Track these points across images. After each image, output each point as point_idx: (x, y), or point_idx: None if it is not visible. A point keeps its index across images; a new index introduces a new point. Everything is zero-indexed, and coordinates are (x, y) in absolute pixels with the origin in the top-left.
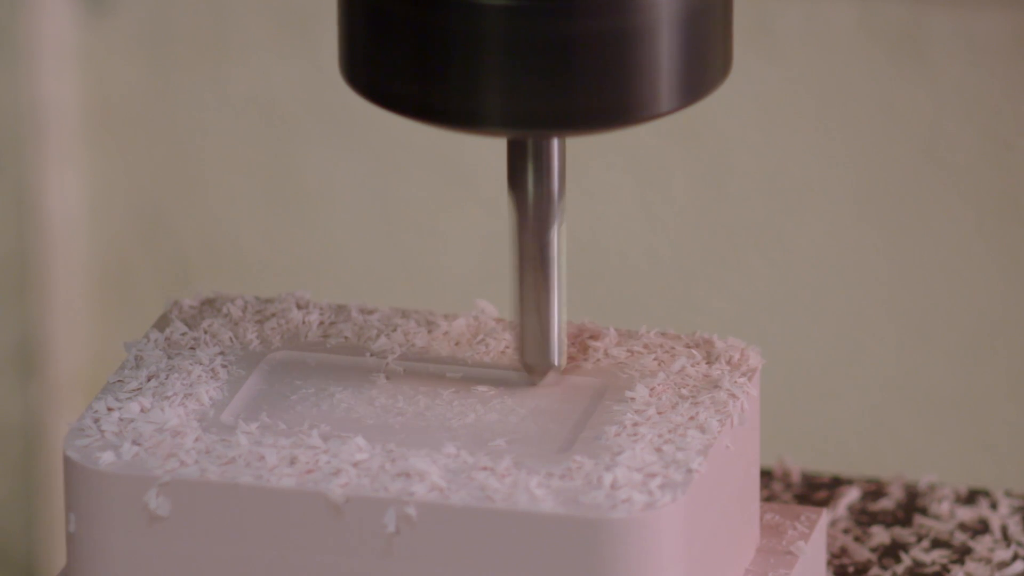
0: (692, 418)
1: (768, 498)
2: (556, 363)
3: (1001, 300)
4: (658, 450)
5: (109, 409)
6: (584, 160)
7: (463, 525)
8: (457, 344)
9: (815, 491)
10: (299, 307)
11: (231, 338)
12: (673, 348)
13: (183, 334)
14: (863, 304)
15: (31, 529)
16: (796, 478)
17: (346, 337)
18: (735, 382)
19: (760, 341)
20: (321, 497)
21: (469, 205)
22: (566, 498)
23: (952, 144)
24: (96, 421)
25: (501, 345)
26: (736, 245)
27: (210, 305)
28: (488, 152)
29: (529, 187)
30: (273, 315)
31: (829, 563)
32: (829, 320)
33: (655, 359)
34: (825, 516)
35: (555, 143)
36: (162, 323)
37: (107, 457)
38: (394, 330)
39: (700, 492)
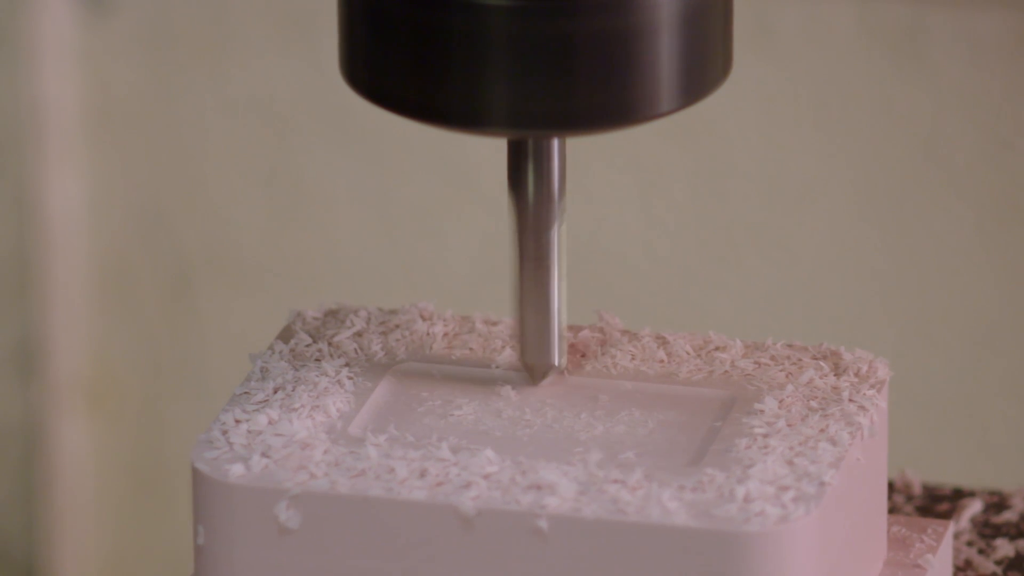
0: (823, 430)
1: (890, 511)
2: (556, 363)
3: (1001, 300)
4: (790, 463)
5: (237, 421)
6: (584, 160)
7: (595, 538)
8: (583, 356)
9: (937, 503)
10: (423, 318)
11: (356, 349)
12: (800, 360)
13: (307, 345)
14: (862, 304)
15: (31, 529)
16: (917, 490)
17: (471, 348)
18: (864, 394)
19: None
20: (452, 510)
21: (469, 205)
22: (699, 511)
23: (952, 144)
24: (224, 433)
25: (627, 357)
26: (736, 245)
27: (333, 316)
28: (488, 152)
29: (529, 187)
30: (397, 326)
31: None
32: (828, 320)
33: (783, 371)
34: (951, 529)
35: (555, 143)
36: (286, 335)
37: (237, 469)
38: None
39: (832, 505)
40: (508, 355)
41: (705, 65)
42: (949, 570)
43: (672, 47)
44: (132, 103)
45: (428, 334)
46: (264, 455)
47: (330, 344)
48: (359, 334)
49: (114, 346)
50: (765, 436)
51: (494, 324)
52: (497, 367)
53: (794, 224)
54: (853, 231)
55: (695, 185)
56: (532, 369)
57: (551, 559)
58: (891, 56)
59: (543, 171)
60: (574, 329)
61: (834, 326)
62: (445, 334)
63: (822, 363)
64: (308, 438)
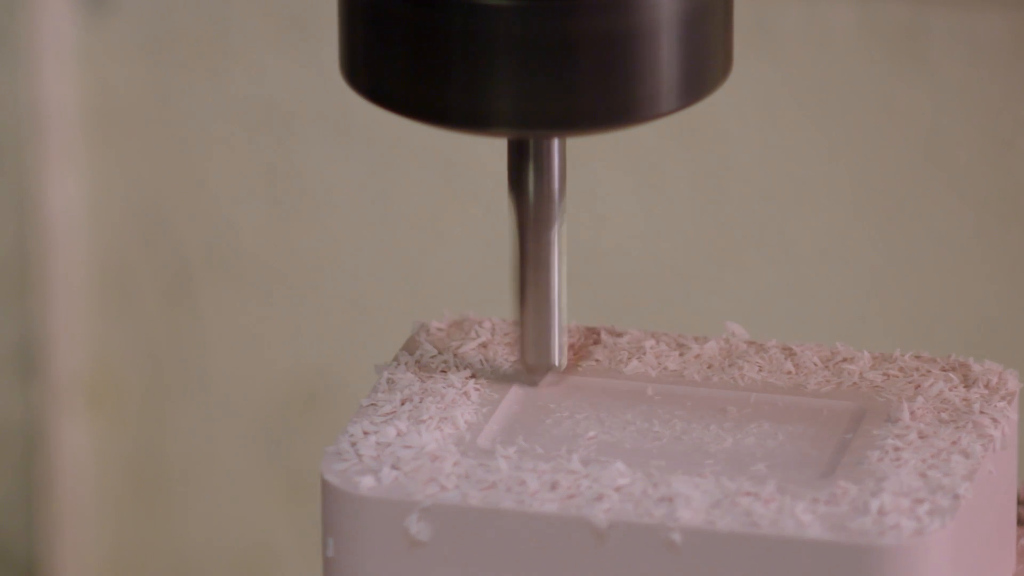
0: (955, 443)
1: (1019, 523)
2: (556, 363)
3: (1001, 300)
4: (922, 475)
5: (365, 433)
6: (584, 160)
7: (728, 551)
8: (710, 367)
9: None
10: None
11: (482, 360)
12: (929, 371)
13: (432, 357)
14: (862, 303)
15: (31, 529)
16: None
17: (597, 360)
18: (995, 406)
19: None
20: (584, 522)
21: (469, 205)
22: (833, 524)
23: (952, 144)
24: (353, 445)
25: (755, 368)
26: (736, 245)
27: (458, 327)
28: (488, 152)
29: (529, 187)
30: None
31: None
32: (827, 319)
33: (911, 383)
34: None
35: (556, 143)
36: (411, 346)
37: (367, 482)
38: (645, 353)
39: (966, 518)
40: (635, 366)
41: (705, 65)
42: None
43: (672, 47)
44: (132, 103)
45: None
46: (394, 467)
47: (455, 355)
48: (484, 345)
49: (114, 346)
50: (897, 449)
51: (619, 335)
52: (624, 378)
53: (794, 224)
54: (853, 231)
55: (695, 185)
56: (532, 369)
57: (684, 572)
58: (891, 56)
59: (543, 171)
60: (700, 340)
61: (834, 325)
62: (571, 345)
63: (951, 375)
64: (437, 450)
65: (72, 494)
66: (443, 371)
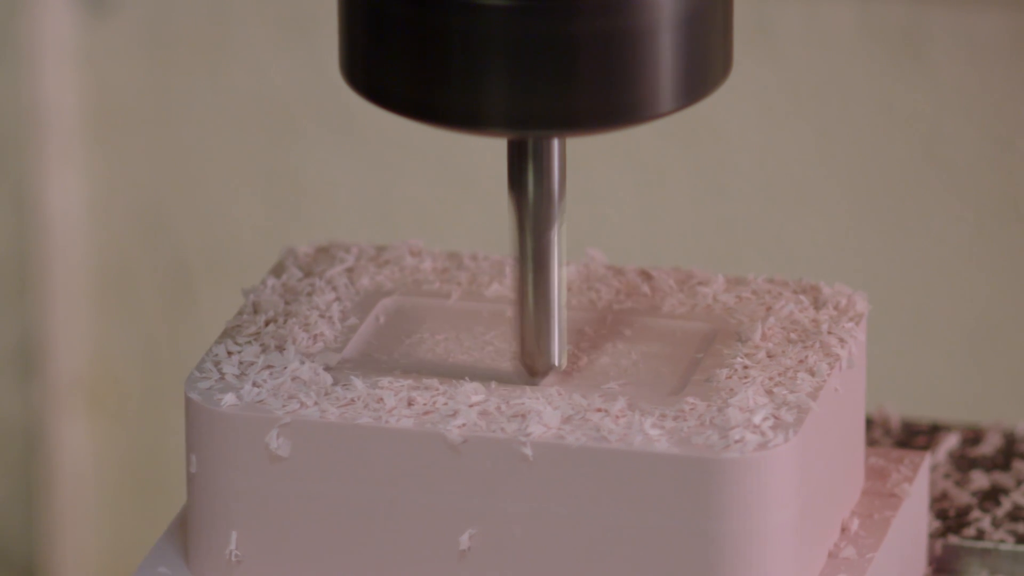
0: (802, 361)
1: (869, 445)
2: (556, 363)
3: (1000, 300)
4: (769, 392)
5: (229, 353)
6: (584, 160)
7: (578, 465)
8: (569, 290)
9: (914, 437)
10: (412, 254)
11: (346, 284)
12: (781, 294)
13: (299, 280)
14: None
15: (31, 529)
16: (896, 425)
17: (459, 283)
18: (843, 327)
19: None
20: (439, 437)
21: (469, 205)
22: (680, 438)
23: (952, 144)
24: (217, 364)
25: (612, 291)
26: (736, 245)
27: (325, 253)
28: (488, 152)
29: (529, 187)
30: (387, 262)
31: (931, 507)
32: None
33: (763, 304)
34: (928, 460)
35: (555, 143)
36: (278, 270)
37: (228, 399)
38: (506, 276)
39: (811, 434)
40: (496, 289)
41: (705, 65)
42: (925, 500)
43: (672, 47)
44: (132, 103)
45: (417, 269)
46: (255, 385)
47: (321, 279)
48: (350, 269)
49: (114, 346)
50: (746, 367)
51: (482, 260)
52: (485, 300)
53: (794, 224)
54: (852, 230)
55: (695, 185)
56: (532, 369)
57: (536, 486)
58: (891, 56)
59: (543, 171)
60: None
61: None
62: (434, 269)
63: (802, 297)
64: (298, 369)
65: (72, 494)
66: (308, 294)
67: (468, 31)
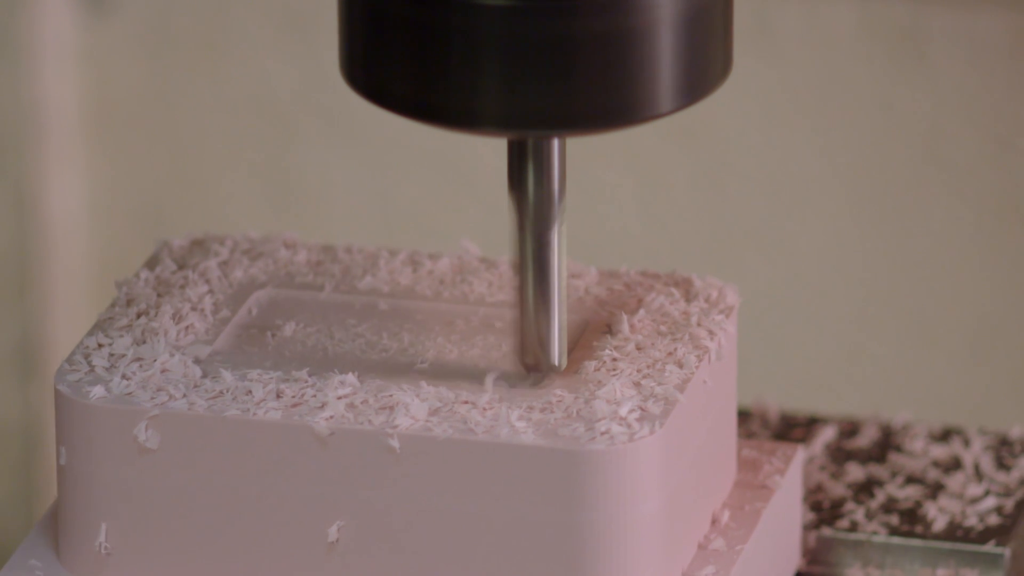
0: (670, 354)
1: (746, 437)
2: (556, 363)
3: (1000, 300)
4: (637, 384)
5: (99, 345)
6: (584, 160)
7: (445, 457)
8: (441, 283)
9: (792, 430)
10: (287, 247)
11: (219, 277)
12: (653, 286)
13: (173, 272)
14: (862, 303)
15: (31, 529)
16: (774, 417)
17: (333, 276)
18: (713, 319)
19: (760, 340)
20: (306, 429)
21: (469, 205)
22: (546, 430)
23: (952, 144)
24: (87, 356)
25: (484, 284)
26: (736, 245)
27: (199, 245)
28: (488, 152)
29: (529, 187)
30: (261, 255)
31: (805, 499)
32: (827, 318)
33: (635, 297)
34: (801, 452)
35: (555, 143)
36: (152, 262)
37: (97, 391)
38: (379, 269)
39: (678, 425)
40: (368, 281)
41: (705, 65)
42: (798, 491)
43: (672, 47)
44: (132, 103)
45: (291, 262)
46: (124, 377)
47: (194, 271)
48: (224, 262)
49: None
50: (614, 360)
51: (356, 252)
52: (357, 293)
53: (794, 224)
54: (853, 230)
55: (695, 185)
56: (532, 369)
57: (403, 478)
58: (891, 56)
59: (543, 171)
60: (434, 258)
61: (834, 324)
62: (308, 261)
63: (673, 289)
64: (168, 361)
65: None
66: (181, 286)
67: (468, 31)
